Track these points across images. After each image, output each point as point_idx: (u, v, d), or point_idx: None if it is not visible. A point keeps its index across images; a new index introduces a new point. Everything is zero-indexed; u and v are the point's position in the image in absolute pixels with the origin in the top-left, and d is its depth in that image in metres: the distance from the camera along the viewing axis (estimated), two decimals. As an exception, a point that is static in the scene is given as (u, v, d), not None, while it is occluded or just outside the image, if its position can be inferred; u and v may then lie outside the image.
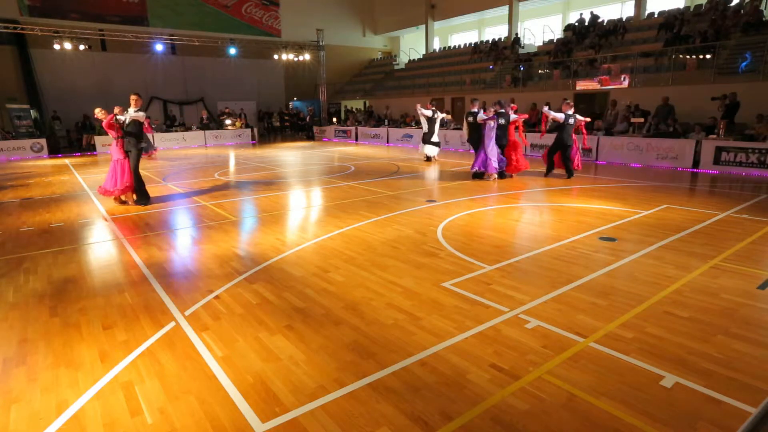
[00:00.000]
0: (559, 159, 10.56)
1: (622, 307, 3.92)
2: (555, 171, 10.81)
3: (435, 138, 13.73)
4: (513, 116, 10.51)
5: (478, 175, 10.44)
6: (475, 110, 10.25)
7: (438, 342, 3.42)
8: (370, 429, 2.54)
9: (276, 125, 27.50)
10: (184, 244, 6.16)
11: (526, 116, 12.05)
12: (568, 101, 10.45)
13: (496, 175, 10.34)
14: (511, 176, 10.70)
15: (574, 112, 10.34)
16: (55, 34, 18.90)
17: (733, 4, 15.18)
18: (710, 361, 3.11)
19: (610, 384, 2.88)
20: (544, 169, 11.10)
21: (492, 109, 10.31)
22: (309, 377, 3.02)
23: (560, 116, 10.24)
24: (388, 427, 2.54)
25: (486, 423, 2.57)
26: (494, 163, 10.19)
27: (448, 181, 10.41)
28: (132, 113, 8.23)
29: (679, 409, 2.64)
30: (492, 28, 27.22)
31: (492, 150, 10.19)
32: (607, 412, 2.63)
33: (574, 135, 10.35)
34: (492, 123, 10.04)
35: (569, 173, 10.46)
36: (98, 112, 8.08)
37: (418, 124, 20.63)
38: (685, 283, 4.40)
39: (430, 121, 13.49)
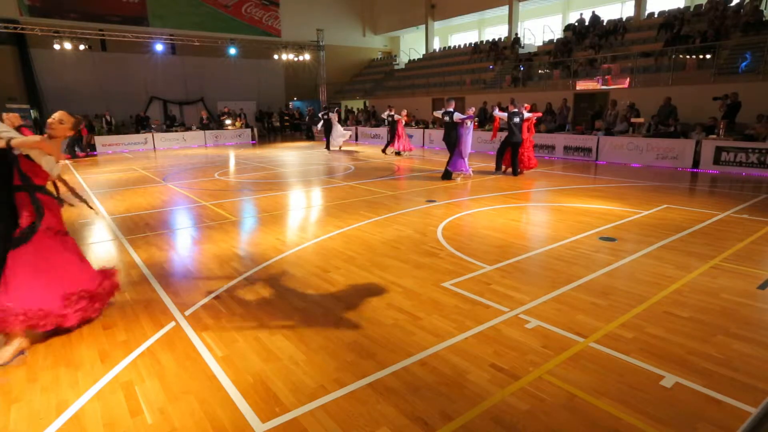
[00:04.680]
0: (509, 157, 10.92)
1: (622, 307, 3.92)
2: (505, 170, 11.19)
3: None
4: (527, 114, 10.68)
5: (447, 175, 10.48)
6: (451, 110, 10.19)
7: (438, 342, 3.42)
8: (370, 429, 2.54)
9: (276, 125, 27.52)
10: (184, 244, 6.16)
11: (540, 114, 12.28)
12: (514, 102, 10.86)
13: (467, 174, 10.60)
14: (522, 172, 11.01)
15: (528, 110, 10.77)
16: (55, 34, 18.89)
17: (733, 4, 15.18)
18: (710, 361, 3.11)
19: (610, 384, 2.88)
20: (543, 169, 11.13)
21: (472, 109, 10.46)
22: (309, 377, 3.02)
23: (503, 115, 10.64)
24: (388, 427, 2.54)
25: (486, 423, 2.57)
26: (466, 165, 10.45)
27: (447, 181, 10.41)
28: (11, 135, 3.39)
29: (679, 409, 2.64)
30: (492, 28, 27.21)
31: (466, 151, 10.37)
32: (607, 412, 2.63)
33: (526, 133, 10.72)
34: (469, 123, 10.15)
35: (515, 171, 10.79)
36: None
37: (418, 124, 20.78)
38: (685, 283, 4.40)
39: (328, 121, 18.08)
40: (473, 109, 10.65)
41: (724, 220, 6.65)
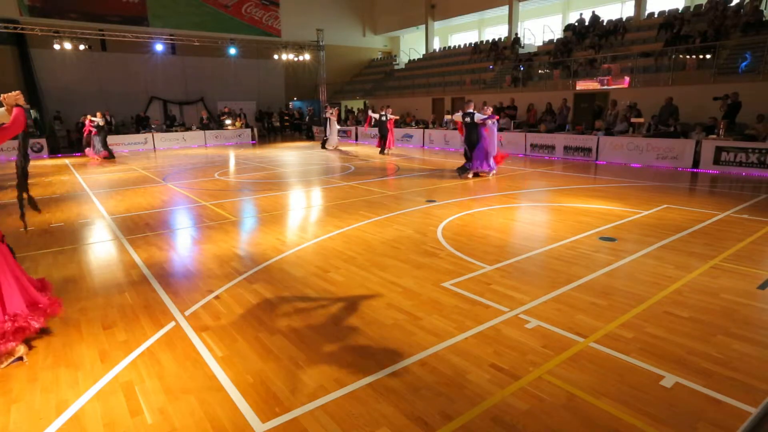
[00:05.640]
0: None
1: (622, 307, 3.92)
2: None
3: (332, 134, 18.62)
4: (479, 116, 10.92)
5: (464, 170, 10.63)
6: (471, 111, 10.36)
7: (438, 342, 3.42)
8: (370, 429, 2.54)
9: (276, 125, 27.54)
10: (184, 244, 6.16)
11: (496, 117, 12.34)
12: (467, 102, 11.06)
13: (486, 173, 10.72)
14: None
15: (491, 113, 10.71)
16: (55, 34, 18.88)
17: (733, 4, 15.17)
18: (710, 361, 3.11)
19: (610, 384, 2.88)
20: (543, 169, 11.14)
21: (489, 109, 10.53)
22: (309, 377, 3.02)
23: (458, 116, 10.93)
24: (388, 427, 2.54)
25: (486, 423, 2.57)
26: (490, 164, 10.61)
27: (447, 181, 10.42)
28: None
29: (679, 409, 2.64)
30: (492, 28, 27.20)
31: (493, 150, 10.55)
32: (607, 412, 2.63)
33: (486, 132, 10.73)
34: (490, 122, 10.32)
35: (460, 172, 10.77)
36: None
37: (418, 124, 20.79)
38: (685, 283, 4.40)
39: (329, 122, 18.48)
40: (490, 108, 10.69)
41: (724, 220, 6.65)
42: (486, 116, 10.18)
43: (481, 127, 10.25)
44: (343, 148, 18.75)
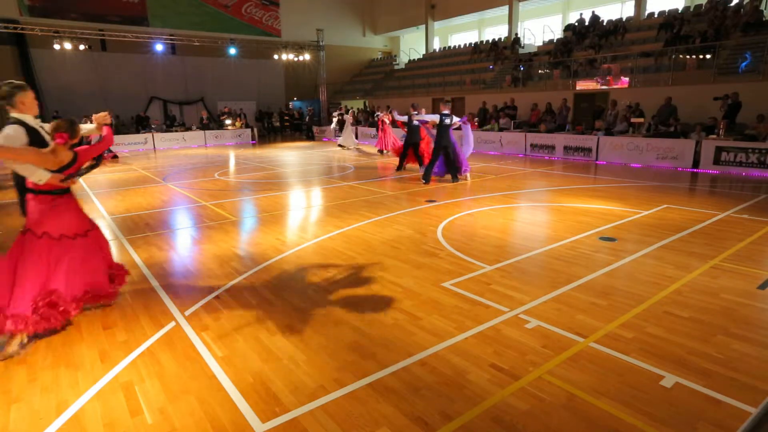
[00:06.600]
0: (411, 155, 11.77)
1: (622, 307, 3.92)
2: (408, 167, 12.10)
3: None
4: (426, 118, 11.03)
5: (456, 178, 10.28)
6: (448, 112, 9.84)
7: (438, 342, 3.42)
8: (370, 429, 2.54)
9: (276, 125, 27.55)
10: (184, 244, 6.16)
11: (429, 123, 11.99)
12: (415, 106, 11.59)
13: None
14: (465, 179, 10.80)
15: (451, 113, 10.10)
16: (55, 34, 18.90)
17: (733, 4, 15.18)
18: (710, 361, 3.11)
19: (610, 384, 2.88)
20: (543, 169, 11.13)
21: (447, 109, 10.06)
22: (309, 377, 3.02)
23: (403, 118, 11.30)
24: (388, 427, 2.55)
25: (486, 423, 2.57)
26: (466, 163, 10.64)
27: (447, 181, 10.41)
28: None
29: (679, 409, 2.64)
30: (492, 28, 27.22)
31: (468, 151, 10.62)
32: (607, 412, 2.63)
33: (423, 133, 11.16)
34: (465, 126, 10.50)
35: (454, 177, 10.20)
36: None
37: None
38: (685, 283, 4.40)
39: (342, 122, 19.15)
40: (446, 108, 10.37)
41: (724, 220, 6.65)
42: (460, 119, 10.28)
43: (451, 130, 9.92)
44: (350, 147, 18.79)
